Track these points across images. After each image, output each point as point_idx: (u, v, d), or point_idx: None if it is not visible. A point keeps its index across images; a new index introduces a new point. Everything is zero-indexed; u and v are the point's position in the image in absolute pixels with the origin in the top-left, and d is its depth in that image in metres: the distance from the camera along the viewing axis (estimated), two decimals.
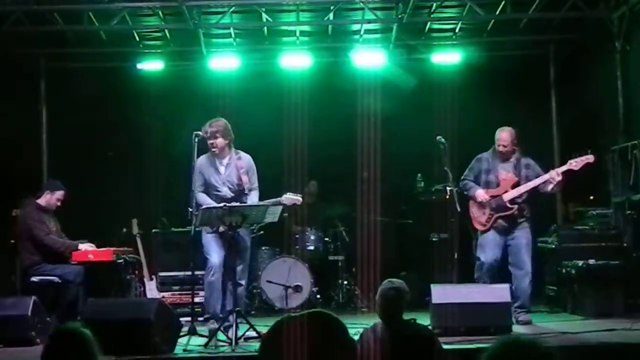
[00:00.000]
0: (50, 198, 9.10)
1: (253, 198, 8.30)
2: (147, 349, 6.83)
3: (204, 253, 8.35)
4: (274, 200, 8.08)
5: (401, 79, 11.42)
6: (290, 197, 8.23)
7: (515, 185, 8.69)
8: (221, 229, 8.15)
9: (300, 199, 8.46)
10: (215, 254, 8.25)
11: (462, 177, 8.96)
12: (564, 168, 8.65)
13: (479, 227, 8.81)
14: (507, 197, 8.64)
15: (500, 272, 8.67)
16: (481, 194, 8.71)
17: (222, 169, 8.39)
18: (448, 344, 6.46)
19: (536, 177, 8.68)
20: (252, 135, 11.02)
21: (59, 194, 9.16)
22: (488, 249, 8.67)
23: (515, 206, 8.65)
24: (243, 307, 8.41)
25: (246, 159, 8.45)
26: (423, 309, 7.98)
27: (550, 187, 8.63)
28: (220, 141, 8.28)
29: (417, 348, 5.19)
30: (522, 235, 8.70)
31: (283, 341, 2.66)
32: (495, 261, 8.64)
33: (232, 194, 8.28)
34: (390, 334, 5.28)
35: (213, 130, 8.23)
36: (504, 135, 8.79)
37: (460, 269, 8.87)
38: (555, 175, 8.56)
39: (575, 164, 8.61)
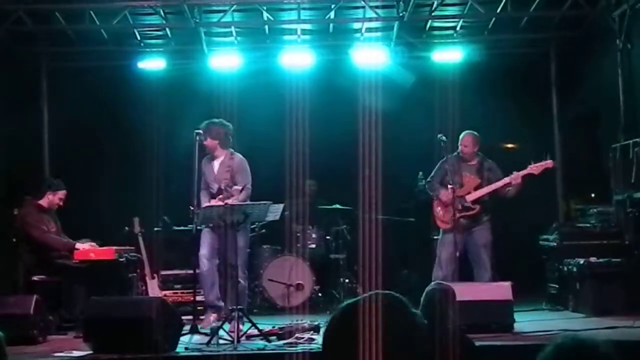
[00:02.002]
0: (52, 198, 9.13)
1: (238, 196, 8.52)
2: (149, 347, 6.84)
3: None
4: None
5: (400, 76, 11.41)
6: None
7: (478, 186, 9.06)
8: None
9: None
10: (205, 246, 8.70)
11: (429, 179, 9.34)
12: (524, 172, 8.94)
13: (443, 225, 9.12)
14: (470, 197, 9.04)
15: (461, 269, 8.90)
16: (446, 194, 9.03)
17: (216, 167, 8.80)
18: None
19: (498, 180, 9.00)
20: (253, 133, 11.04)
21: (61, 193, 9.20)
22: (447, 246, 8.96)
23: (478, 206, 9.01)
24: (245, 305, 8.56)
25: (237, 159, 8.83)
26: None
27: (507, 190, 8.97)
28: (208, 142, 8.74)
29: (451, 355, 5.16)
30: (482, 235, 9.02)
31: (349, 331, 2.57)
32: (450, 261, 8.89)
33: (223, 187, 8.63)
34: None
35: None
36: (467, 138, 9.20)
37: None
38: (516, 177, 8.90)
39: (535, 168, 8.94)
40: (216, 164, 8.82)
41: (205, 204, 8.60)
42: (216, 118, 8.93)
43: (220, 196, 8.59)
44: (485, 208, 9.05)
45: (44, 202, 9.10)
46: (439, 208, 9.13)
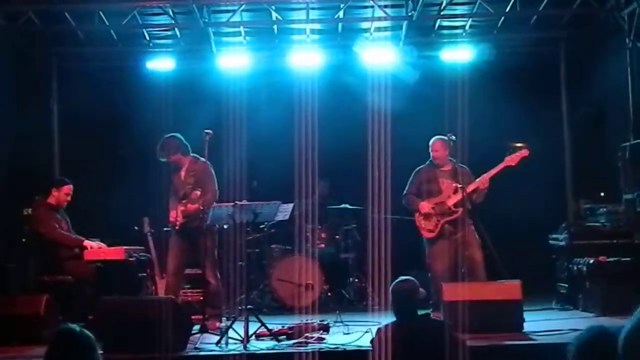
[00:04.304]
0: (59, 195, 9.21)
1: (204, 199, 8.74)
2: (159, 347, 6.85)
3: None
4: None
5: (404, 73, 11.37)
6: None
7: (456, 190, 8.93)
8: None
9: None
10: (170, 259, 8.90)
11: (404, 193, 9.25)
12: (501, 166, 8.89)
13: (428, 235, 9.04)
14: (450, 202, 8.96)
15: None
16: (425, 205, 9.02)
17: (182, 174, 8.99)
18: None
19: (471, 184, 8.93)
20: (262, 133, 11.08)
21: (66, 188, 9.27)
22: (439, 261, 8.87)
23: (460, 209, 8.86)
24: (222, 306, 8.85)
25: (201, 164, 8.95)
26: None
27: (475, 195, 8.91)
28: (173, 158, 9.03)
29: (428, 341, 5.28)
30: (473, 244, 8.84)
31: None
32: (447, 271, 8.76)
33: (189, 191, 8.83)
34: (400, 332, 5.40)
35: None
36: (436, 143, 9.16)
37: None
38: (483, 182, 8.85)
39: (511, 160, 8.88)
40: (182, 171, 9.00)
41: (172, 208, 8.88)
42: (171, 133, 9.18)
43: (184, 201, 8.82)
44: (467, 210, 8.91)
45: (51, 200, 9.18)
46: (421, 219, 9.08)
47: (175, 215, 8.79)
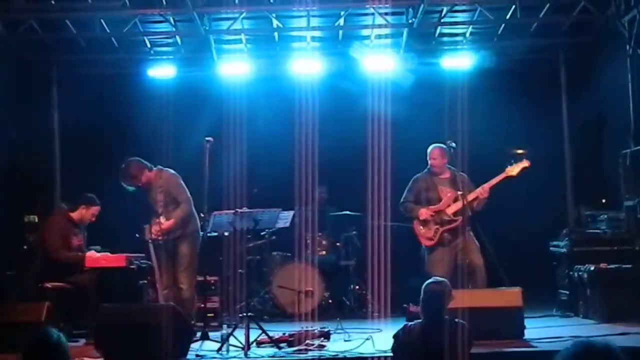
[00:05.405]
0: (85, 213, 9.20)
1: (176, 212, 8.75)
2: (160, 354, 6.85)
3: None
4: None
5: (401, 76, 11.37)
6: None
7: (456, 199, 8.90)
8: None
9: None
10: (164, 274, 8.85)
11: (402, 200, 9.22)
12: (501, 176, 8.88)
13: (427, 243, 9.02)
14: (450, 210, 8.95)
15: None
16: (424, 211, 9.00)
17: (152, 192, 8.89)
18: None
19: (470, 193, 8.87)
20: (263, 140, 11.09)
21: (94, 209, 9.27)
22: (438, 268, 8.75)
23: (459, 218, 8.82)
24: (192, 312, 8.80)
25: (166, 176, 8.94)
26: None
27: (475, 204, 8.88)
28: (143, 180, 8.86)
29: (452, 343, 5.28)
30: (473, 249, 8.83)
31: None
32: (446, 273, 8.57)
33: (162, 209, 8.81)
34: (426, 333, 5.44)
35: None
36: (434, 151, 9.14)
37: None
38: (483, 192, 8.82)
39: (512, 169, 8.88)
40: (152, 189, 8.92)
41: (153, 224, 8.79)
42: (131, 158, 9.02)
43: (157, 220, 8.78)
44: (466, 219, 8.87)
45: (75, 215, 9.17)
46: (420, 227, 9.06)
47: (157, 229, 8.77)
